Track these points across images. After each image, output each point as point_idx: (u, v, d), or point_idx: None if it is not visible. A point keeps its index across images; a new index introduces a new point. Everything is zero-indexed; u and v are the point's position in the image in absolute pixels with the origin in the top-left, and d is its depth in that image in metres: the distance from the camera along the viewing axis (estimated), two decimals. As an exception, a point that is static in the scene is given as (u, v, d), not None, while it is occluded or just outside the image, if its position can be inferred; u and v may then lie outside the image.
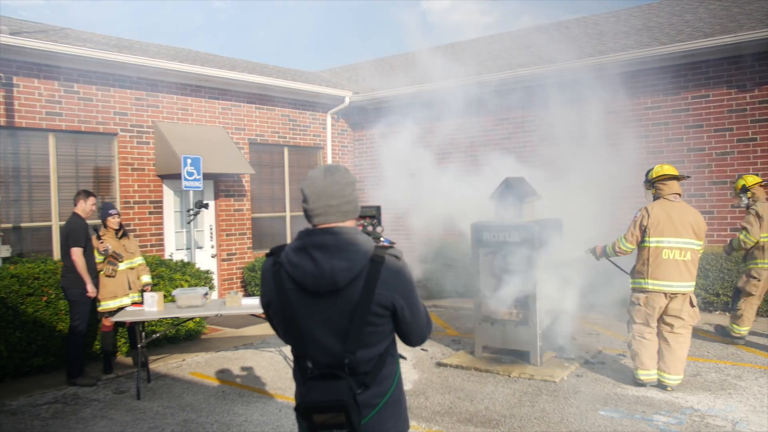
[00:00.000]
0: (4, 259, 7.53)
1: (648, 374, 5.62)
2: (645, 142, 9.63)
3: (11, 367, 6.52)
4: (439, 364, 6.60)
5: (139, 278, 7.02)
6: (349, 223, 2.21)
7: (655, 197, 5.73)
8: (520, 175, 7.18)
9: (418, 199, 12.26)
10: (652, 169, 5.80)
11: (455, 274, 10.76)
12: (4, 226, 7.85)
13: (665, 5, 12.31)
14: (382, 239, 2.42)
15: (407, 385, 5.95)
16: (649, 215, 5.55)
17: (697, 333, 7.55)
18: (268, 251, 2.27)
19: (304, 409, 2.08)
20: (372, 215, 2.63)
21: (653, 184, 5.73)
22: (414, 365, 6.67)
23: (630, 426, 4.75)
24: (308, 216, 2.18)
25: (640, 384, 5.65)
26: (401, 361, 2.39)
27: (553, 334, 6.60)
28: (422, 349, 7.28)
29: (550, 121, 10.55)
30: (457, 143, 11.65)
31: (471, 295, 6.88)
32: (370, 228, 2.57)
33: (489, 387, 5.80)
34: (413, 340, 2.29)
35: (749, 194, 7.04)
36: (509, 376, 6.09)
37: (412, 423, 4.98)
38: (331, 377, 2.09)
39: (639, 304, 5.59)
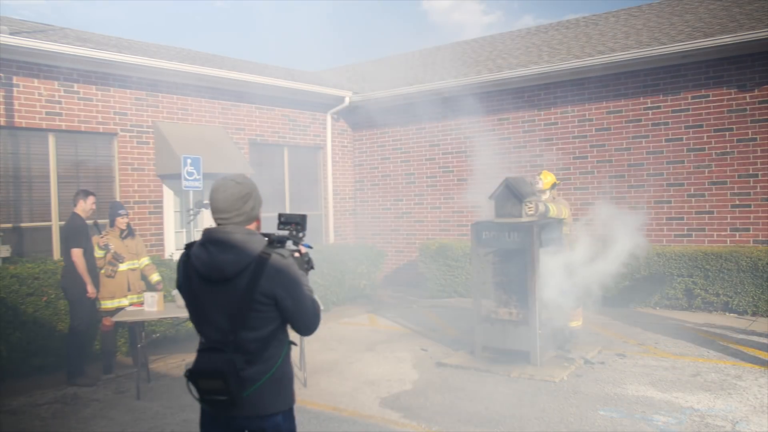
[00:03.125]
0: (4, 259, 7.52)
1: None
2: (645, 142, 9.64)
3: (11, 367, 6.52)
4: (439, 364, 6.60)
5: (150, 276, 7.05)
6: (251, 226, 2.60)
7: None
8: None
9: (418, 199, 12.30)
10: None
11: (455, 273, 10.76)
12: (4, 226, 7.85)
13: (665, 5, 12.31)
14: (302, 244, 2.86)
15: (407, 385, 5.96)
16: None
17: (697, 333, 7.55)
18: (186, 244, 2.64)
19: (190, 374, 2.46)
20: (297, 222, 2.95)
21: None
22: (414, 365, 6.67)
23: (630, 426, 4.75)
24: (214, 218, 2.58)
25: None
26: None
27: (552, 333, 6.60)
28: (422, 349, 7.28)
29: (551, 120, 10.56)
30: (456, 143, 11.65)
31: (471, 295, 6.88)
32: (293, 233, 2.90)
33: (489, 387, 5.80)
34: (299, 328, 2.61)
35: (554, 193, 7.18)
36: (509, 376, 6.08)
37: (412, 422, 4.98)
38: (216, 350, 2.48)
39: None
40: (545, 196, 7.01)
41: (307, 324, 2.61)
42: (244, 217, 2.57)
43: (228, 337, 2.47)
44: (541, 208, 6.62)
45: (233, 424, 2.55)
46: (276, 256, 2.50)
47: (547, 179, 7.11)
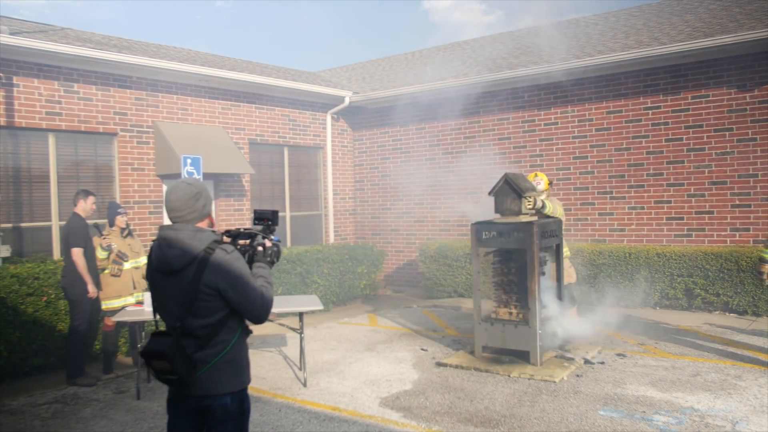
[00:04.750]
0: (4, 259, 7.52)
1: None
2: (645, 141, 9.64)
3: (11, 367, 6.52)
4: (439, 364, 6.60)
5: (143, 277, 7.03)
6: (203, 223, 2.86)
7: None
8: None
9: (418, 199, 12.29)
10: None
11: (455, 273, 10.76)
12: (4, 226, 7.85)
13: (665, 5, 12.31)
14: (272, 237, 3.13)
15: (407, 385, 5.96)
16: None
17: (697, 333, 7.56)
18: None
19: (141, 354, 2.76)
20: (268, 217, 3.19)
21: None
22: (414, 365, 6.67)
23: (630, 426, 4.75)
24: (169, 216, 2.84)
25: None
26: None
27: (552, 333, 6.60)
28: (422, 349, 7.29)
29: (551, 120, 10.56)
30: (456, 143, 11.65)
31: (471, 295, 6.88)
32: (262, 227, 3.18)
33: (489, 387, 5.80)
34: (247, 316, 2.85)
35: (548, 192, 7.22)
36: (509, 376, 6.09)
37: (412, 422, 4.98)
38: (166, 334, 2.77)
39: None
40: (542, 196, 7.07)
41: (254, 313, 2.82)
42: (196, 214, 2.83)
43: (176, 322, 2.76)
44: (539, 203, 6.66)
45: (189, 403, 2.82)
46: (219, 251, 2.74)
47: (544, 180, 7.27)
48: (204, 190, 2.87)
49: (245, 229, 3.12)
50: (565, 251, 7.15)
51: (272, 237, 3.16)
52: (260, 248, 3.04)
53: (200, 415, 2.85)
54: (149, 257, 2.88)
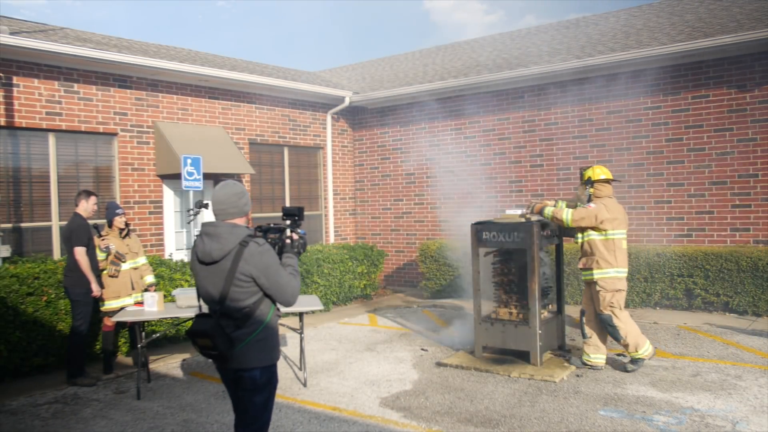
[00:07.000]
0: (4, 259, 7.52)
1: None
2: (645, 142, 9.64)
3: (11, 367, 6.52)
4: (439, 364, 6.60)
5: (142, 278, 7.02)
6: (238, 221, 3.29)
7: (596, 195, 6.14)
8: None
9: (418, 199, 12.29)
10: (590, 170, 6.20)
11: (455, 273, 10.76)
12: (4, 226, 7.85)
13: (665, 5, 12.30)
14: (299, 231, 3.55)
15: (407, 385, 5.96)
16: (607, 210, 6.00)
17: (697, 333, 7.56)
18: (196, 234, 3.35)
19: (188, 334, 3.22)
20: (294, 213, 3.60)
21: (593, 184, 6.15)
22: (414, 365, 6.67)
23: (630, 426, 4.75)
24: (213, 208, 3.28)
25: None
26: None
27: (553, 333, 6.60)
28: (422, 349, 7.29)
29: (551, 120, 10.57)
30: (456, 143, 11.65)
31: (471, 295, 6.88)
32: (290, 222, 3.56)
33: (489, 387, 5.80)
34: (277, 300, 3.27)
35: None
36: (509, 376, 6.09)
37: (412, 422, 4.99)
38: (206, 316, 3.22)
39: (622, 290, 6.07)
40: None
41: (284, 297, 3.23)
42: (236, 209, 3.28)
43: (216, 306, 3.19)
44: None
45: (227, 374, 3.33)
46: (252, 244, 3.15)
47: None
48: (247, 193, 3.36)
49: (275, 225, 3.56)
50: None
51: (299, 231, 3.57)
52: (288, 241, 3.48)
53: (236, 385, 3.29)
54: (193, 249, 3.32)
